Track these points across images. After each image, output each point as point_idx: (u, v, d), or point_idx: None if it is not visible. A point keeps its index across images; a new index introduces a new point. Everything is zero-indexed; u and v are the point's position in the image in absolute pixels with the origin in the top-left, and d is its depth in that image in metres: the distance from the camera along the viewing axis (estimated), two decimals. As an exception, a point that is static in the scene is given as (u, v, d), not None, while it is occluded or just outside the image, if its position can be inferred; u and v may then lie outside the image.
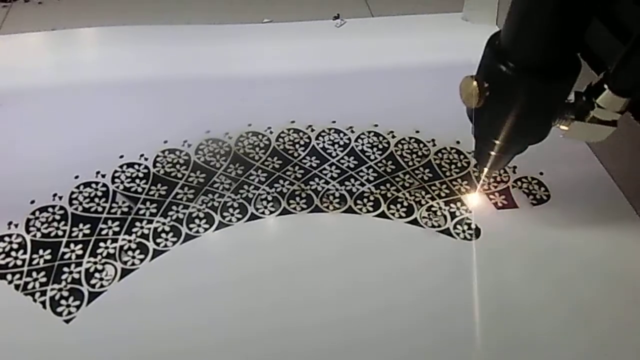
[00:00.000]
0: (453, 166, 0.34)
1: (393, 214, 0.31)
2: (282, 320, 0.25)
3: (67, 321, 0.25)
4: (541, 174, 0.34)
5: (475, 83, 0.22)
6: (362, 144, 0.35)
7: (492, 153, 0.27)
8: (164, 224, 0.29)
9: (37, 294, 0.26)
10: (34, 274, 0.27)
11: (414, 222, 0.31)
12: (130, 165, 0.32)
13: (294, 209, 0.30)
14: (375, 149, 0.34)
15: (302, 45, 0.43)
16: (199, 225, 0.29)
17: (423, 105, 0.37)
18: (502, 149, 0.27)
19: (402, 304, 0.26)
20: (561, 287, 0.28)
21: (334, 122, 0.36)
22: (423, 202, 0.31)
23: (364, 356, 0.25)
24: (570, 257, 0.29)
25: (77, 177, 0.32)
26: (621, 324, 0.26)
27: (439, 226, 0.30)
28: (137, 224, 0.29)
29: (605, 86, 0.23)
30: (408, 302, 0.26)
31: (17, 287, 0.26)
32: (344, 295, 0.27)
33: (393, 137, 0.36)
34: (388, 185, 0.32)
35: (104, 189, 0.31)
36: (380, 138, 0.35)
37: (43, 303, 0.26)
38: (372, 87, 0.39)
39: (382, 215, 0.31)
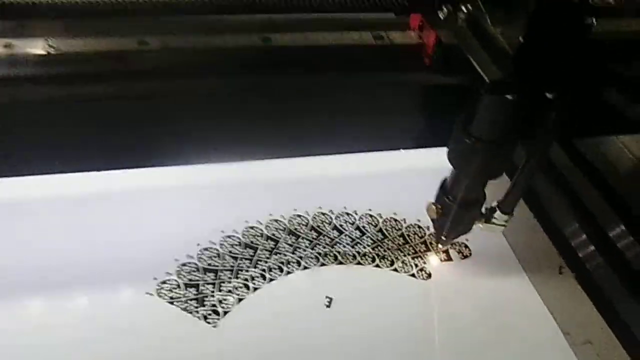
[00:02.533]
0: (417, 236, 0.57)
1: (382, 265, 0.53)
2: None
3: (214, 326, 0.46)
4: (467, 240, 0.57)
5: (433, 206, 0.45)
6: (363, 222, 0.57)
7: (443, 236, 0.50)
8: (254, 273, 0.51)
9: (195, 312, 0.47)
10: (190, 301, 0.48)
11: (394, 269, 0.53)
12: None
13: (327, 262, 0.53)
14: (370, 225, 0.57)
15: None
16: (280, 272, 0.51)
17: (398, 198, 0.60)
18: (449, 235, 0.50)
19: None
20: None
21: (345, 207, 0.59)
22: (399, 257, 0.54)
23: None
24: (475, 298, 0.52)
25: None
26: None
27: (408, 272, 0.53)
28: (240, 272, 0.50)
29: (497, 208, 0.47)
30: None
31: (182, 309, 0.47)
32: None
33: (381, 217, 0.58)
34: (379, 248, 0.55)
35: (216, 252, 0.52)
36: (373, 218, 0.58)
37: (199, 316, 0.47)
38: (369, 185, 0.61)
39: (377, 266, 0.53)
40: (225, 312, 0.47)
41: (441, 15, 0.38)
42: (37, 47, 0.34)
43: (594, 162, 0.62)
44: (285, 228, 0.55)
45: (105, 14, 0.35)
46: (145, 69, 0.37)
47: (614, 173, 0.62)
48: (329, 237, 0.55)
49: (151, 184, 0.57)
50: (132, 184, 0.56)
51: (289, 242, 0.54)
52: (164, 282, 0.48)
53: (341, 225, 0.56)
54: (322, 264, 0.52)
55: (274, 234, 0.54)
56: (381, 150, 0.57)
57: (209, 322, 0.46)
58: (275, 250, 0.53)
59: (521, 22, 0.34)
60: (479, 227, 0.47)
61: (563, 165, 0.63)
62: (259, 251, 0.52)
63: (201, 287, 0.48)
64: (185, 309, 0.47)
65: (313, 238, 0.54)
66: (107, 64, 0.35)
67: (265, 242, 0.53)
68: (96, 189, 0.55)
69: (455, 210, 0.42)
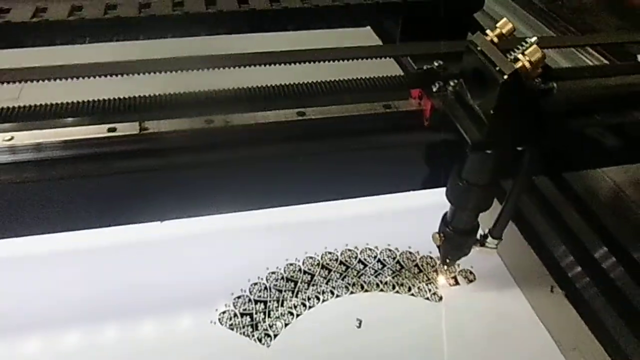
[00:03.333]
0: (429, 265, 0.67)
1: (401, 292, 0.63)
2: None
3: (267, 347, 0.56)
4: (472, 267, 0.67)
5: (437, 235, 0.56)
6: (384, 255, 0.68)
7: (447, 259, 0.61)
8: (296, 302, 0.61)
9: (251, 335, 0.57)
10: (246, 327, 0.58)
11: (412, 294, 0.63)
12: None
13: (355, 290, 0.63)
14: (389, 258, 0.68)
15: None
16: (317, 300, 0.61)
17: (412, 233, 0.70)
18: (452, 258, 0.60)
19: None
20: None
21: (367, 244, 0.70)
22: (415, 284, 0.64)
23: None
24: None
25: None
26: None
27: (423, 296, 0.63)
28: (285, 302, 0.61)
29: (489, 234, 0.57)
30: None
31: (241, 333, 0.57)
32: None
33: (398, 250, 0.69)
34: (397, 277, 0.65)
35: (263, 285, 0.63)
36: (392, 252, 0.69)
37: (254, 339, 0.57)
38: (386, 224, 0.72)
39: (397, 292, 0.63)
40: (275, 335, 0.57)
41: (434, 89, 0.50)
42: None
43: (579, 192, 0.73)
44: (319, 263, 0.65)
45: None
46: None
47: (597, 200, 0.73)
48: (355, 270, 0.65)
49: (198, 231, 0.68)
50: (182, 232, 0.67)
51: (323, 275, 0.64)
52: (223, 312, 0.59)
53: (365, 259, 0.67)
54: (351, 292, 0.62)
55: (309, 269, 0.65)
56: (394, 192, 0.68)
57: (263, 344, 0.56)
58: (311, 282, 0.63)
59: (491, 96, 0.46)
60: (475, 250, 0.58)
61: (552, 196, 0.74)
62: (298, 284, 0.63)
63: (254, 315, 0.59)
64: (242, 333, 0.57)
65: (342, 271, 0.65)
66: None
67: (303, 276, 0.64)
68: (150, 238, 0.67)
69: (455, 237, 0.53)
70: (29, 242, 0.62)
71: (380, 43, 0.89)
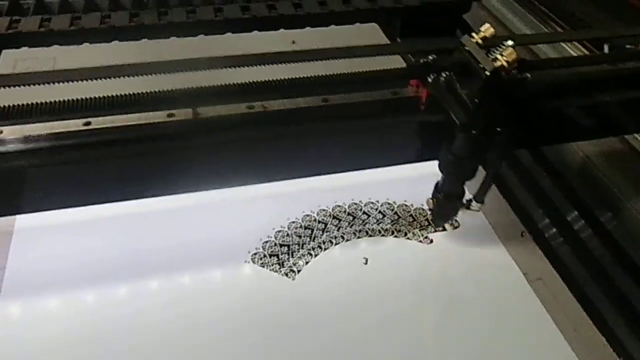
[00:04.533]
0: (421, 216, 0.81)
1: (398, 236, 0.78)
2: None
3: (293, 280, 0.71)
4: (457, 217, 0.81)
5: (430, 200, 0.69)
6: (384, 207, 0.81)
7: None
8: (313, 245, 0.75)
9: (278, 271, 0.71)
10: (274, 265, 0.72)
11: (407, 238, 0.77)
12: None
13: (361, 236, 0.77)
14: (388, 210, 0.81)
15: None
16: (330, 244, 0.75)
17: (408, 190, 0.84)
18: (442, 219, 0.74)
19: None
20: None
21: (369, 198, 0.83)
22: (410, 230, 0.78)
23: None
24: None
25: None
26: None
27: (417, 240, 0.77)
28: (304, 245, 0.75)
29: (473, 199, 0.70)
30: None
31: (270, 270, 0.72)
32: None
33: (395, 203, 0.82)
34: (395, 224, 0.79)
35: (286, 233, 0.76)
36: (390, 204, 0.82)
37: (281, 274, 0.71)
38: (387, 185, 0.85)
39: (395, 237, 0.78)
40: (299, 271, 0.71)
41: (429, 79, 0.62)
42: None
43: (549, 160, 0.86)
44: (330, 214, 0.79)
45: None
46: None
47: (566, 167, 0.86)
48: (360, 219, 0.79)
49: (230, 198, 0.80)
50: (216, 199, 0.80)
51: (334, 224, 0.78)
52: (255, 254, 0.73)
53: (368, 211, 0.80)
54: (358, 237, 0.77)
55: (323, 219, 0.78)
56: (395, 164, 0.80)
57: (289, 277, 0.71)
58: (325, 229, 0.77)
59: (476, 87, 0.57)
60: (461, 212, 0.72)
61: (529, 163, 0.87)
62: (314, 231, 0.77)
63: (280, 256, 0.73)
64: (272, 270, 0.71)
65: (350, 220, 0.78)
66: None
67: (317, 224, 0.77)
68: (187, 205, 0.78)
69: (445, 202, 0.66)
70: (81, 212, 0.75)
71: (385, 37, 0.99)
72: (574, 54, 0.88)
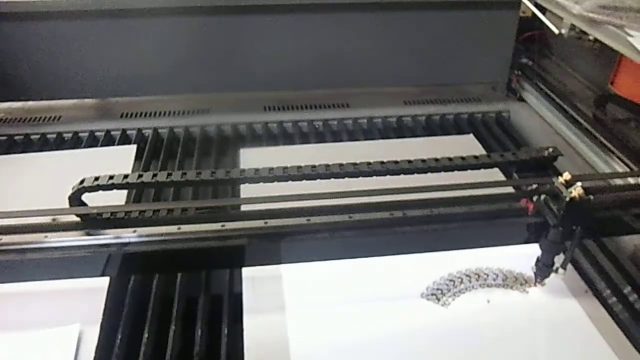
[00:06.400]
0: (521, 276, 1.28)
1: (507, 288, 1.25)
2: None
3: (446, 308, 1.18)
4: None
5: (533, 266, 1.17)
6: (497, 272, 1.29)
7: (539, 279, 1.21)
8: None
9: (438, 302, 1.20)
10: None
11: (512, 289, 1.24)
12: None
13: (484, 286, 1.24)
14: (500, 273, 1.29)
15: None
16: (466, 290, 1.24)
17: (514, 263, 1.31)
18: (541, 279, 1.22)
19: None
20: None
21: (487, 267, 1.31)
22: (515, 285, 1.25)
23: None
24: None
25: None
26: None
27: (518, 290, 1.24)
28: (452, 290, 1.24)
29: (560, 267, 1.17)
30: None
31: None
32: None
33: (503, 269, 1.30)
34: (505, 281, 1.26)
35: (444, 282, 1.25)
36: (500, 270, 1.30)
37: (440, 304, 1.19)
38: (499, 259, 1.33)
39: (504, 287, 1.25)
40: (449, 304, 1.20)
41: (534, 199, 1.12)
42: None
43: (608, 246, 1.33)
44: (464, 274, 1.28)
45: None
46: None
47: (619, 251, 1.33)
48: (483, 278, 1.27)
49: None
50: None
51: (467, 279, 1.26)
52: (422, 293, 1.22)
53: (487, 273, 1.28)
54: (482, 287, 1.24)
55: (460, 276, 1.27)
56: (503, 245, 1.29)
57: (443, 307, 1.19)
58: (462, 282, 1.25)
59: (562, 206, 1.06)
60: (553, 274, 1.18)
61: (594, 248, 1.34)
62: (455, 282, 1.25)
63: (437, 295, 1.22)
64: (434, 302, 1.20)
65: (477, 278, 1.27)
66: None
67: (457, 279, 1.26)
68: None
69: (542, 268, 1.14)
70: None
71: (480, 146, 1.53)
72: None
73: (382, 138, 1.65)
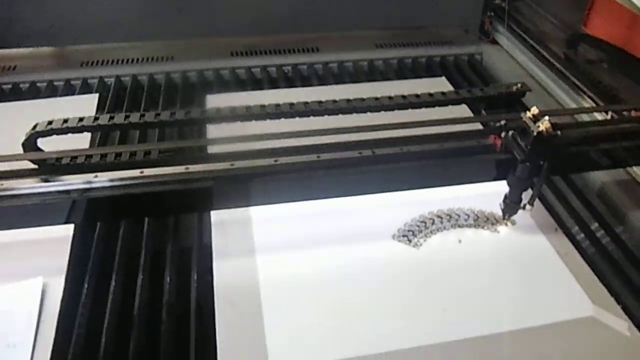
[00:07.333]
0: (492, 216, 1.28)
1: (478, 227, 1.25)
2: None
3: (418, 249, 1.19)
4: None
5: (501, 202, 1.17)
6: (469, 212, 1.29)
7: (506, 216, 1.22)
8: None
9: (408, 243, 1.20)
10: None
11: (484, 229, 1.25)
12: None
13: (455, 226, 1.25)
14: (472, 213, 1.29)
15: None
16: (438, 230, 1.24)
17: (485, 202, 1.32)
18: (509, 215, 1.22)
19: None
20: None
21: (459, 207, 1.31)
22: (486, 225, 1.26)
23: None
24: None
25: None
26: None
27: (490, 230, 1.25)
28: (421, 232, 1.24)
29: (527, 204, 1.18)
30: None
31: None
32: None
33: (475, 209, 1.30)
34: (477, 221, 1.27)
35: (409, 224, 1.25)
36: (471, 210, 1.30)
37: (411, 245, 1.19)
38: (471, 199, 1.33)
39: (475, 227, 1.25)
40: (420, 245, 1.20)
41: (503, 135, 1.11)
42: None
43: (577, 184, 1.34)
44: (435, 214, 1.28)
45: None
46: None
47: (586, 187, 1.34)
48: (454, 218, 1.27)
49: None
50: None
51: (439, 220, 1.26)
52: (394, 235, 1.22)
53: (459, 214, 1.29)
54: (453, 228, 1.25)
55: (432, 217, 1.27)
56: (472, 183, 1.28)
57: (415, 248, 1.19)
58: (433, 223, 1.25)
59: (529, 140, 1.06)
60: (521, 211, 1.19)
61: (562, 184, 1.35)
62: (427, 223, 1.25)
63: (409, 237, 1.22)
64: (405, 244, 1.20)
65: (448, 218, 1.27)
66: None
67: (429, 220, 1.26)
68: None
69: (510, 204, 1.14)
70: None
71: (451, 87, 1.51)
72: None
73: (353, 82, 1.61)
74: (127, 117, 0.97)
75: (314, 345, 0.98)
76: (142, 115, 0.94)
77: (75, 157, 1.02)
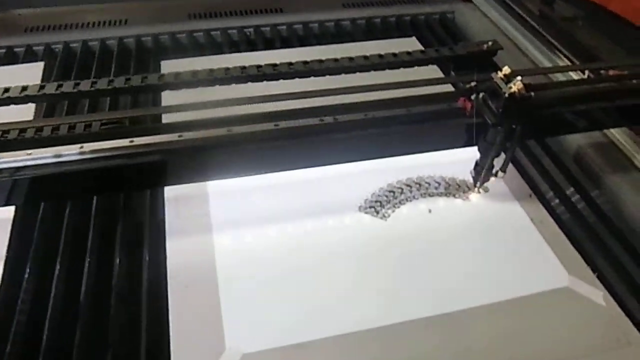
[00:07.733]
0: (464, 184, 1.22)
1: (449, 196, 1.19)
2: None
3: (385, 221, 1.12)
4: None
5: (472, 170, 1.11)
6: (440, 180, 1.23)
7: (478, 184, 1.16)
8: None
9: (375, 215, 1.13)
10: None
11: (455, 197, 1.19)
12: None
13: (425, 195, 1.19)
14: (442, 181, 1.23)
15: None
16: (407, 200, 1.17)
17: (456, 169, 1.25)
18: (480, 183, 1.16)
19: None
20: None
21: (429, 175, 1.24)
22: (457, 193, 1.20)
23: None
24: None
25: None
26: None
27: (461, 198, 1.19)
28: (390, 201, 1.17)
29: (499, 170, 1.12)
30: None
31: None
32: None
33: (446, 177, 1.24)
34: (447, 189, 1.21)
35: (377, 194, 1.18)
36: (442, 178, 1.24)
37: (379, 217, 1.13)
38: (441, 166, 1.27)
39: (446, 195, 1.19)
40: (388, 216, 1.13)
41: (472, 97, 1.04)
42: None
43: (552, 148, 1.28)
44: (404, 183, 1.21)
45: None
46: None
47: (563, 151, 1.28)
48: (424, 187, 1.21)
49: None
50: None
51: (408, 189, 1.20)
52: (360, 206, 1.15)
53: (430, 182, 1.22)
54: (423, 197, 1.18)
55: (400, 186, 1.20)
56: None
57: (383, 219, 1.13)
58: (402, 192, 1.19)
59: (500, 102, 0.98)
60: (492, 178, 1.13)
61: (536, 148, 1.29)
62: (396, 193, 1.19)
63: (376, 208, 1.15)
64: (372, 216, 1.14)
65: (418, 187, 1.21)
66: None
67: (397, 189, 1.19)
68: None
69: (481, 172, 1.08)
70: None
71: (421, 46, 1.42)
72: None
73: (320, 44, 1.51)
74: (76, 84, 0.88)
75: (274, 329, 0.92)
76: (94, 83, 0.85)
77: (7, 132, 0.92)
